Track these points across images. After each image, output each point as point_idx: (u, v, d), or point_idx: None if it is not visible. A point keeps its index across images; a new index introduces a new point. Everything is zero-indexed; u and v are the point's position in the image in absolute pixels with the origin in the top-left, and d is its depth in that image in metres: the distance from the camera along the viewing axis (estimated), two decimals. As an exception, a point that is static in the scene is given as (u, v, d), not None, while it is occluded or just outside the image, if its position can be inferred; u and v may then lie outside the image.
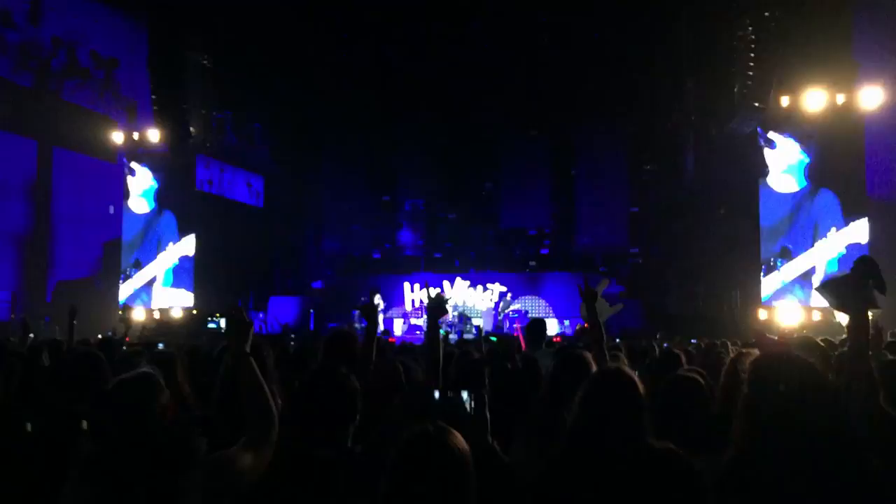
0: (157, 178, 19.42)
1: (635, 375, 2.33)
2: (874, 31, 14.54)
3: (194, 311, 18.14)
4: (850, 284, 2.53)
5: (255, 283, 20.71)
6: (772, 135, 15.75)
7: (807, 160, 15.61)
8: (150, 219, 19.44)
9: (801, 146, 15.60)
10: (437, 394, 2.11)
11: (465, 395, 2.10)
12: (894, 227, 14.38)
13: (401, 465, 1.85)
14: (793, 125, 15.46)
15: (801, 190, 15.68)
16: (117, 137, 18.66)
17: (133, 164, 19.32)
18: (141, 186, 19.44)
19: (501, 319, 19.74)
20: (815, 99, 14.70)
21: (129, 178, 19.41)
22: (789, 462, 2.01)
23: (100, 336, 9.00)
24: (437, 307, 3.49)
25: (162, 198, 19.44)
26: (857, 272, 2.54)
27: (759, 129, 15.84)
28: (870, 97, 14.35)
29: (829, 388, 2.14)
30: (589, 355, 3.38)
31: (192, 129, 18.86)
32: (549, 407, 3.06)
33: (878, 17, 14.71)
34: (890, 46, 14.35)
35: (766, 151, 15.90)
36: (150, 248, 19.39)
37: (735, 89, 15.71)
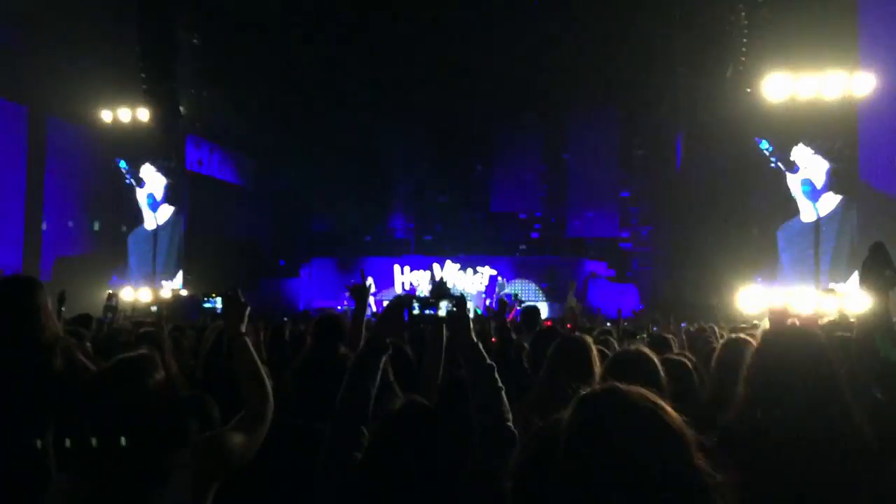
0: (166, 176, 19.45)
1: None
2: (879, 14, 14.27)
3: (183, 293, 18.09)
4: (871, 268, 2.59)
5: (245, 264, 20.64)
6: (797, 155, 15.08)
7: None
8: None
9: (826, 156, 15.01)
10: (416, 306, 2.13)
11: (444, 303, 2.13)
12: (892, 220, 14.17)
13: None
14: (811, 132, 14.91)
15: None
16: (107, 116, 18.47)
17: (143, 172, 19.34)
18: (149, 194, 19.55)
19: (490, 303, 19.78)
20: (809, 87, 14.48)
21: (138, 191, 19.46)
22: (783, 430, 2.08)
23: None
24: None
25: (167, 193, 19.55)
26: (874, 258, 2.59)
27: (766, 147, 15.19)
28: (863, 83, 14.29)
29: (831, 367, 2.21)
30: (590, 339, 3.40)
31: (181, 108, 18.70)
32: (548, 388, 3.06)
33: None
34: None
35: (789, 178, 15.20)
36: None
37: (727, 74, 15.70)
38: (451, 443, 1.91)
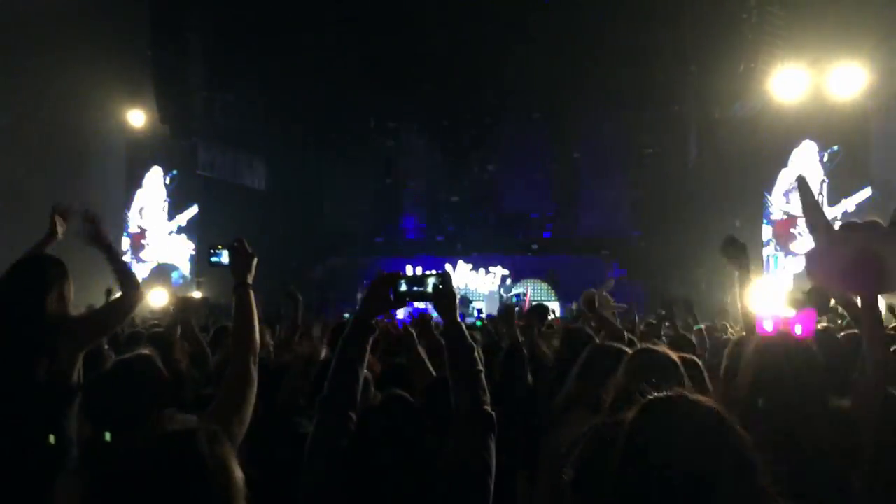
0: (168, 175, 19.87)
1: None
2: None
3: (197, 295, 18.13)
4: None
5: (258, 266, 20.66)
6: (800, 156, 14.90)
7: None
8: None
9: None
10: (403, 284, 2.12)
11: (431, 280, 2.12)
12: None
13: None
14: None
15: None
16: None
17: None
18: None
19: (504, 302, 19.75)
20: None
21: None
22: (774, 433, 2.10)
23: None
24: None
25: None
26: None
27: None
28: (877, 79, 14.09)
29: (821, 373, 2.29)
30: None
31: (193, 110, 18.75)
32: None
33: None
34: None
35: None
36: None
37: (740, 70, 15.58)
38: (433, 435, 1.89)
